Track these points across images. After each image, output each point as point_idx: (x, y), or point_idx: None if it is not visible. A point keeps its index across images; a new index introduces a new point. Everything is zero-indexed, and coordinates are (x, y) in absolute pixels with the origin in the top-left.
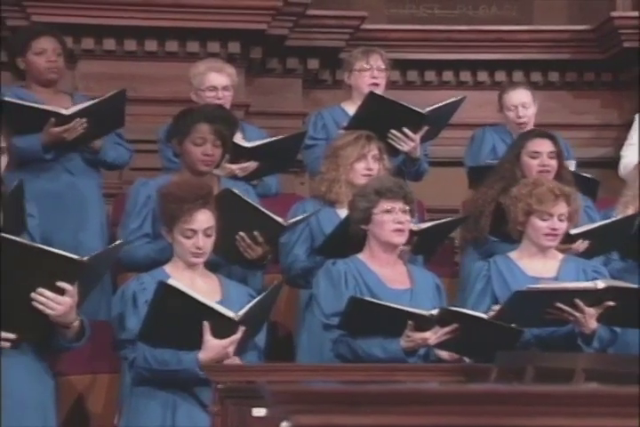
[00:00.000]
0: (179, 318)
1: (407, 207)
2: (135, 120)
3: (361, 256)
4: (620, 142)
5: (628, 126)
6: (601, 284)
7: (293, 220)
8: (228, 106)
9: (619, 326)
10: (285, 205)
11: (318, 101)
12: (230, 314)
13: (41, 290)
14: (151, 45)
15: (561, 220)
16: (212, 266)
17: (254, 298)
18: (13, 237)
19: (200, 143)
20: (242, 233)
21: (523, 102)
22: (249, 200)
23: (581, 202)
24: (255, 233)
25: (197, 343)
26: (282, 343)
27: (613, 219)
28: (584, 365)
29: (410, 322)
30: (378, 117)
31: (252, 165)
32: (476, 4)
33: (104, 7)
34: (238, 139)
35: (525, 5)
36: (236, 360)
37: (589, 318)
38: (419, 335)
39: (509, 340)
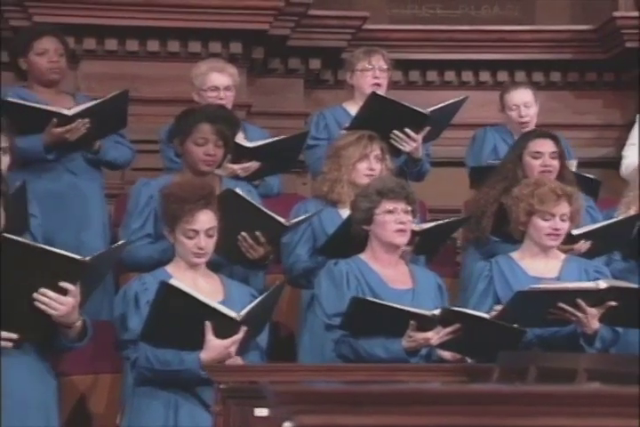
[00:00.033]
0: (181, 319)
1: (409, 208)
2: (137, 120)
3: (363, 256)
4: (621, 142)
5: (629, 126)
6: (603, 284)
7: (295, 220)
8: (229, 106)
9: (621, 326)
10: (287, 205)
11: (320, 102)
12: (232, 314)
13: (43, 290)
14: (153, 46)
15: (563, 220)
16: (213, 266)
17: (256, 298)
18: (16, 238)
19: (202, 143)
20: (244, 233)
21: (525, 102)
22: (251, 200)
23: (583, 202)
24: (257, 233)
25: (199, 343)
26: (284, 343)
27: (615, 219)
28: (586, 365)
29: (412, 322)
30: (380, 118)
31: (253, 165)
32: (478, 4)
33: (106, 7)
34: (240, 139)
35: (528, 5)
36: (237, 360)
37: (591, 318)
38: (421, 335)
39: (512, 340)
